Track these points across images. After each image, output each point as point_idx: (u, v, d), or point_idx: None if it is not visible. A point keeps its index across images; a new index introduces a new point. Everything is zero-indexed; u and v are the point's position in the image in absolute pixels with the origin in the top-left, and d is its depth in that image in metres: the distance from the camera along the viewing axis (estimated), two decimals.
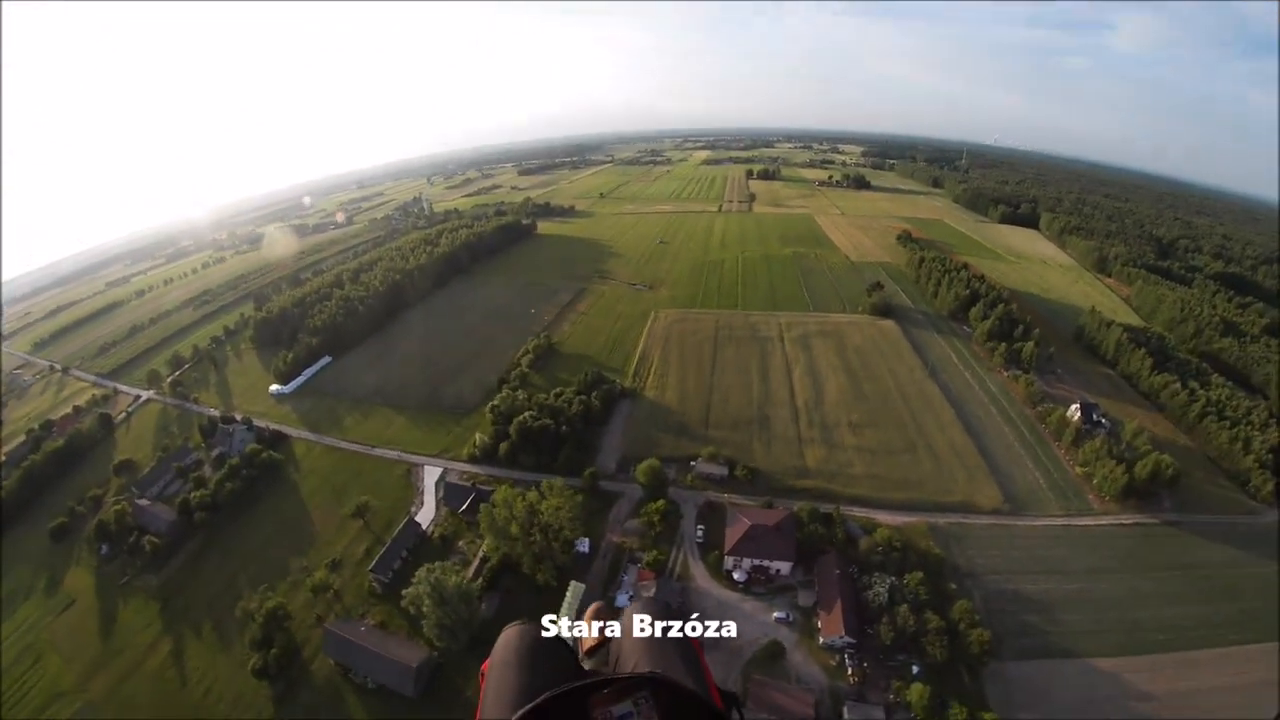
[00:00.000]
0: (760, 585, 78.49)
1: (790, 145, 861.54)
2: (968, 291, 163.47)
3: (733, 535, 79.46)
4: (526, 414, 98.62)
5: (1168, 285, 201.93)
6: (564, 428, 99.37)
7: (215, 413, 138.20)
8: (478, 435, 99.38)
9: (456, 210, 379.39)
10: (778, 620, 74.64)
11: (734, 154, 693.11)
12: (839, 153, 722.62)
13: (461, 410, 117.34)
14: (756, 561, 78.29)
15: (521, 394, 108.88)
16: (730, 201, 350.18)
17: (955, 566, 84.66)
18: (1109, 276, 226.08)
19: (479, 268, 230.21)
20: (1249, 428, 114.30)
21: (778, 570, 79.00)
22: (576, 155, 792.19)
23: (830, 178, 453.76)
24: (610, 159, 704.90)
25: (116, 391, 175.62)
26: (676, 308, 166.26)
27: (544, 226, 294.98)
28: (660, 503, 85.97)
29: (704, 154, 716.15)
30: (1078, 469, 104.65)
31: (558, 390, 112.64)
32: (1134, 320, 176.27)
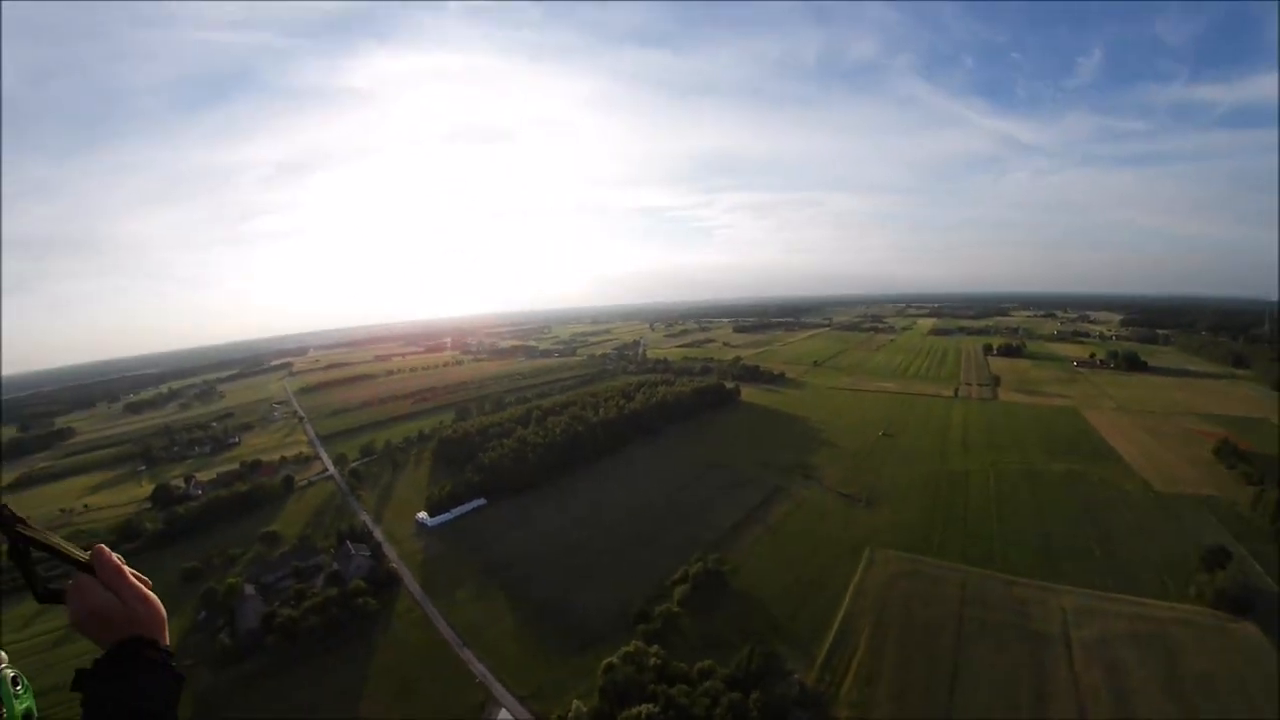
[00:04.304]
0: None
1: (1029, 314, 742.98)
2: None
3: None
4: (643, 709, 65.32)
5: None
6: None
7: (365, 518, 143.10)
8: (577, 703, 71.81)
9: (666, 360, 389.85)
10: None
11: (964, 323, 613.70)
12: (1091, 322, 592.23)
13: (582, 638, 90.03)
14: None
15: (656, 655, 76.34)
16: (969, 384, 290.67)
17: None
18: None
19: (669, 430, 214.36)
20: None
21: None
22: (792, 316, 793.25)
23: (1092, 356, 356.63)
24: (828, 322, 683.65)
25: (317, 456, 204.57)
26: (902, 549, 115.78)
27: (748, 393, 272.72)
28: None
29: (930, 322, 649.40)
30: None
31: (704, 667, 76.28)
32: None
